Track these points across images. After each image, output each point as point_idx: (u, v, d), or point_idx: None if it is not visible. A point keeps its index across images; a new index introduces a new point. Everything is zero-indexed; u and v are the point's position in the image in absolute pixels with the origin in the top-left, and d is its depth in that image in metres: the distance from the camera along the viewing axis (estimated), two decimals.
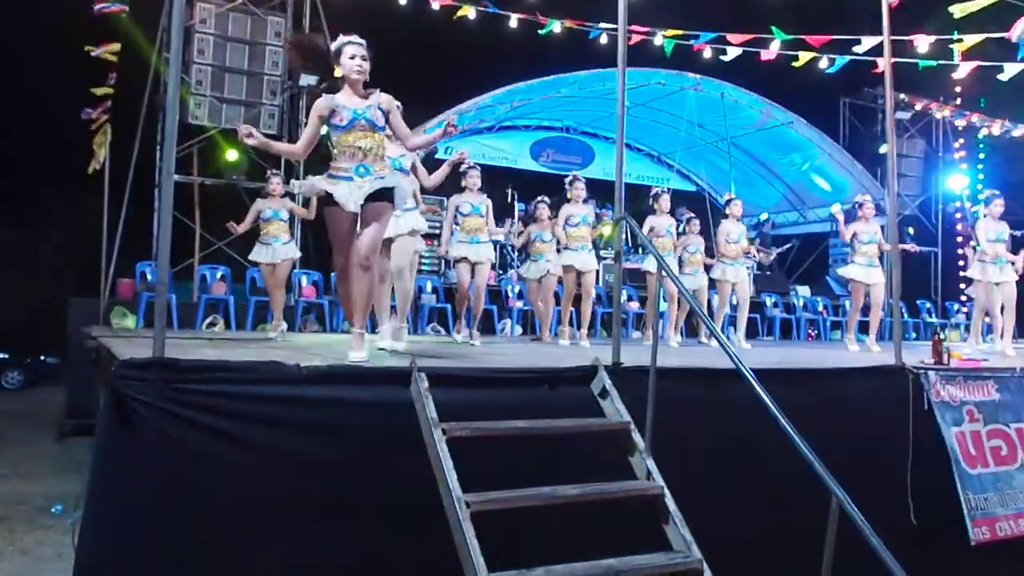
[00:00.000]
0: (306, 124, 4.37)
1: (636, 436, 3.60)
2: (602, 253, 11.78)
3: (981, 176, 18.09)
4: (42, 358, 16.38)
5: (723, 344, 3.45)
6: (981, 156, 18.41)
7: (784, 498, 3.88)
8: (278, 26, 11.32)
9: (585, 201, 7.77)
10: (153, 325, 8.97)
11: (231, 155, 11.11)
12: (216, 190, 11.50)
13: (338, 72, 4.15)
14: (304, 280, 10.30)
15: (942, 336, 5.56)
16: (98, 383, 8.31)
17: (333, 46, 4.18)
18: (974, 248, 8.28)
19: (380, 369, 3.61)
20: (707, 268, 8.48)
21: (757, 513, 3.92)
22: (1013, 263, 7.79)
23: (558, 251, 7.70)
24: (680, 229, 8.64)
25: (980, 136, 17.35)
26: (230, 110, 10.97)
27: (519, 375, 3.82)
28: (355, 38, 4.18)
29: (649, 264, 8.31)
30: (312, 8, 11.66)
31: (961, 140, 17.47)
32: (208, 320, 9.43)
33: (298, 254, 7.73)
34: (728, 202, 8.67)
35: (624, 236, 4.90)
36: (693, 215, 9.00)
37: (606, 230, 8.38)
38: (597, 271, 7.78)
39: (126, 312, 9.30)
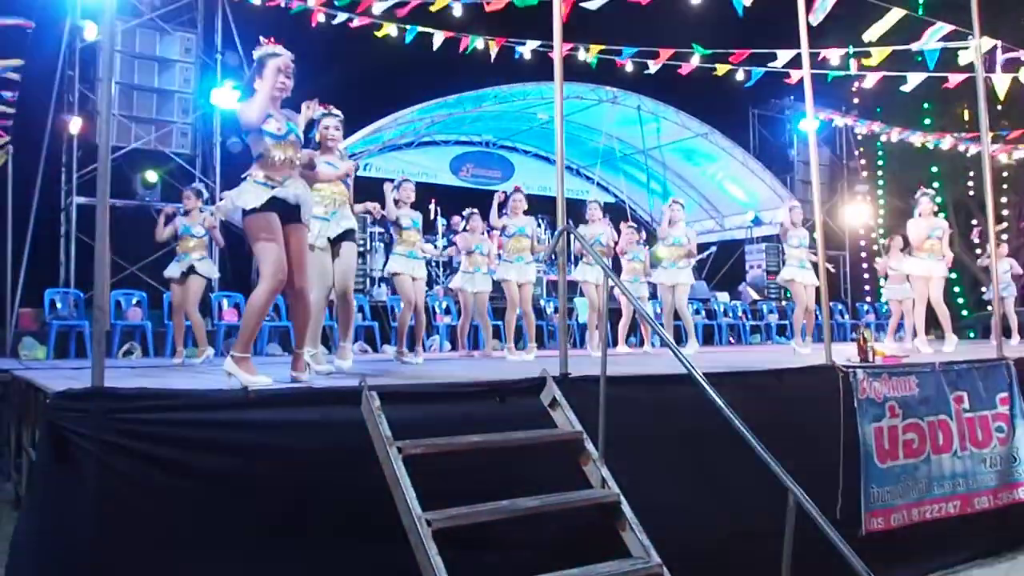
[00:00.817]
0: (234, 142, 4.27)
1: (589, 445, 3.60)
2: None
3: (880, 182, 18.99)
4: None
5: (674, 349, 3.49)
6: (880, 163, 19.33)
7: (738, 498, 3.94)
8: (188, 42, 11.02)
9: (526, 213, 7.77)
10: (65, 355, 8.56)
11: (150, 176, 10.69)
12: (127, 212, 11.06)
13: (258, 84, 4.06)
14: (225, 302, 9.99)
15: (866, 336, 5.76)
16: (6, 418, 7.88)
17: (256, 54, 4.08)
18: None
19: (329, 389, 3.51)
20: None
21: (712, 514, 3.96)
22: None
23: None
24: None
25: (879, 143, 18.23)
26: (140, 129, 10.61)
27: (469, 389, 3.77)
28: (280, 49, 4.08)
29: (584, 274, 8.37)
30: (224, 24, 11.39)
31: (861, 148, 18.30)
32: (125, 348, 9.06)
33: (215, 273, 7.54)
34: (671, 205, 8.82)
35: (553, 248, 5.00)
36: (636, 225, 9.20)
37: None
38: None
39: (35, 343, 8.83)
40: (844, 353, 6.01)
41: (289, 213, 3.98)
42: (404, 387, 3.64)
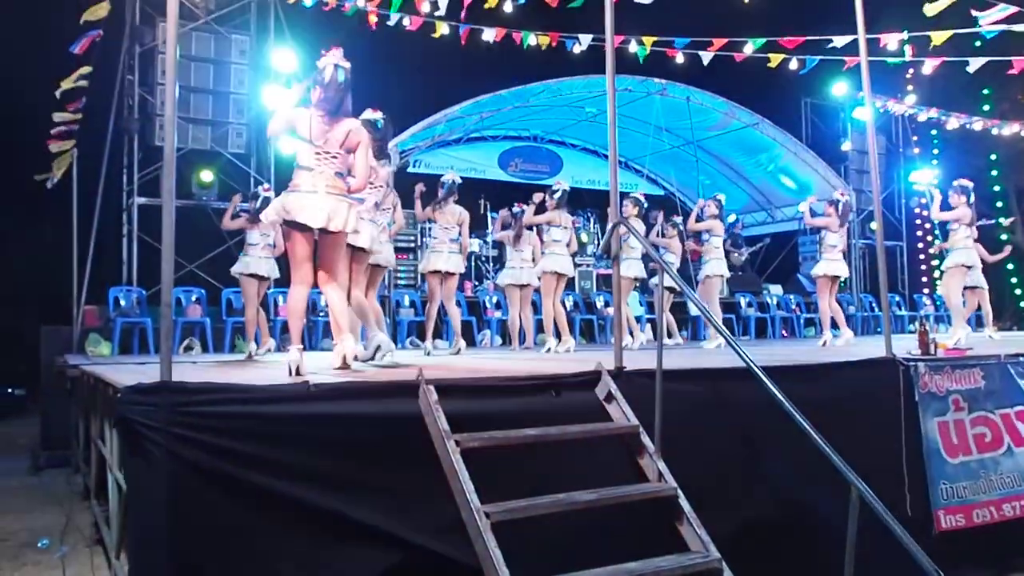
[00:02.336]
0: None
1: (645, 439, 3.60)
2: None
3: (937, 171, 18.53)
4: (9, 389, 15.95)
5: (733, 344, 3.46)
6: (935, 152, 18.87)
7: (796, 493, 3.90)
8: (243, 44, 11.22)
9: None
10: (129, 351, 8.84)
11: (205, 176, 10.95)
12: (185, 212, 11.33)
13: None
14: (280, 298, 10.18)
15: (928, 328, 5.65)
16: (75, 412, 8.16)
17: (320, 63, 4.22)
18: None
19: (387, 383, 3.56)
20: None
21: (769, 509, 3.93)
22: None
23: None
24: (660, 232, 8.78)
25: (935, 130, 17.78)
26: (197, 130, 10.84)
27: (525, 383, 3.79)
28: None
29: (626, 269, 8.37)
30: (276, 26, 11.58)
31: (915, 136, 17.87)
32: (185, 343, 9.29)
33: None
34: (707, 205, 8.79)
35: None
36: (679, 220, 9.19)
37: None
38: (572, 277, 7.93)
39: (100, 339, 9.11)
40: (903, 346, 5.89)
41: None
42: (461, 381, 3.68)
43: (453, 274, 7.39)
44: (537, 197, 8.21)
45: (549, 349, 7.59)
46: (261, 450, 3.04)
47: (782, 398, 3.19)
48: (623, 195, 8.55)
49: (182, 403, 2.94)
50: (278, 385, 3.27)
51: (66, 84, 7.93)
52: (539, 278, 7.82)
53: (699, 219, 8.91)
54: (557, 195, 7.73)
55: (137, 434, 2.89)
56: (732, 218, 17.19)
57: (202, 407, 2.98)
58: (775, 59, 8.86)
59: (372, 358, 5.05)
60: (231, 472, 2.98)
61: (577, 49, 9.40)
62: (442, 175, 7.67)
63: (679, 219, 9.34)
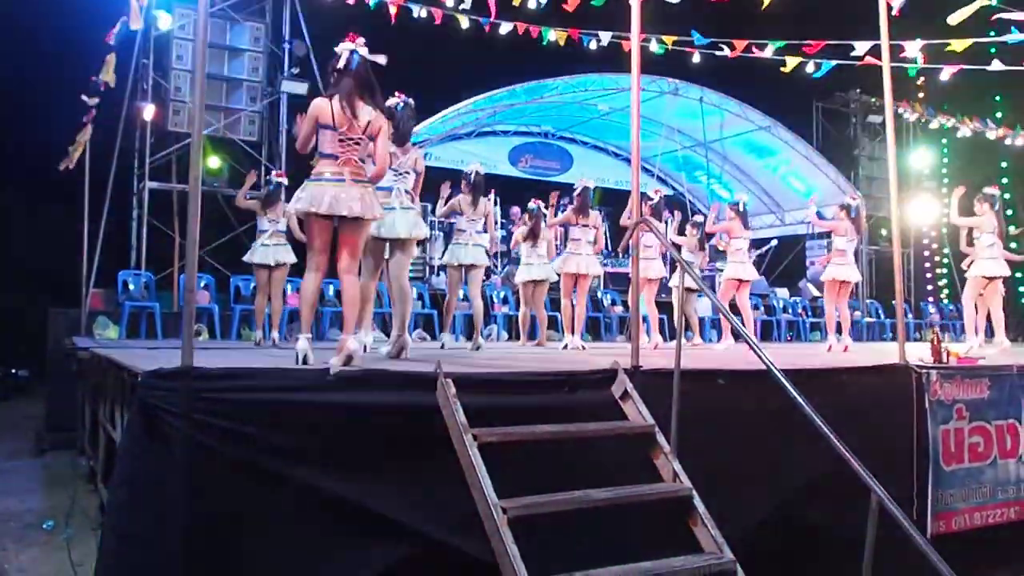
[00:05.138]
0: (299, 128, 4.36)
1: (660, 438, 3.59)
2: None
3: (945, 180, 18.50)
4: (13, 371, 15.96)
5: (754, 347, 3.45)
6: (944, 159, 18.83)
7: (810, 496, 3.90)
8: (257, 32, 11.22)
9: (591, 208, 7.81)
10: (136, 335, 8.82)
11: (213, 162, 10.96)
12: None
13: None
14: (289, 287, 10.17)
15: (940, 335, 5.63)
16: (82, 395, 8.16)
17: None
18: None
19: (405, 374, 3.56)
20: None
21: (784, 512, 3.93)
22: None
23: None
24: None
25: (945, 138, 17.74)
26: (209, 116, 10.83)
27: (542, 378, 3.79)
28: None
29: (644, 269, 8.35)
30: (292, 14, 11.57)
31: (924, 144, 17.83)
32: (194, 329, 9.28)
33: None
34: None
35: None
36: (700, 222, 9.19)
37: None
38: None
39: (108, 322, 9.12)
40: (914, 353, 5.88)
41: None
42: (478, 375, 3.67)
43: (479, 267, 7.32)
44: (553, 197, 8.19)
45: (566, 346, 7.61)
46: (280, 437, 3.04)
47: (803, 402, 3.18)
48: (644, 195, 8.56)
49: (203, 389, 2.94)
50: (299, 372, 3.27)
51: (105, 76, 7.91)
52: (558, 275, 7.85)
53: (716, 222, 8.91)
54: (579, 193, 7.72)
55: (156, 418, 2.89)
56: None
57: (223, 393, 2.98)
58: (792, 62, 8.82)
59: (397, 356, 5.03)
60: (249, 458, 2.98)
61: (594, 46, 9.37)
62: (453, 168, 7.67)
63: (700, 219, 9.32)
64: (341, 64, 4.30)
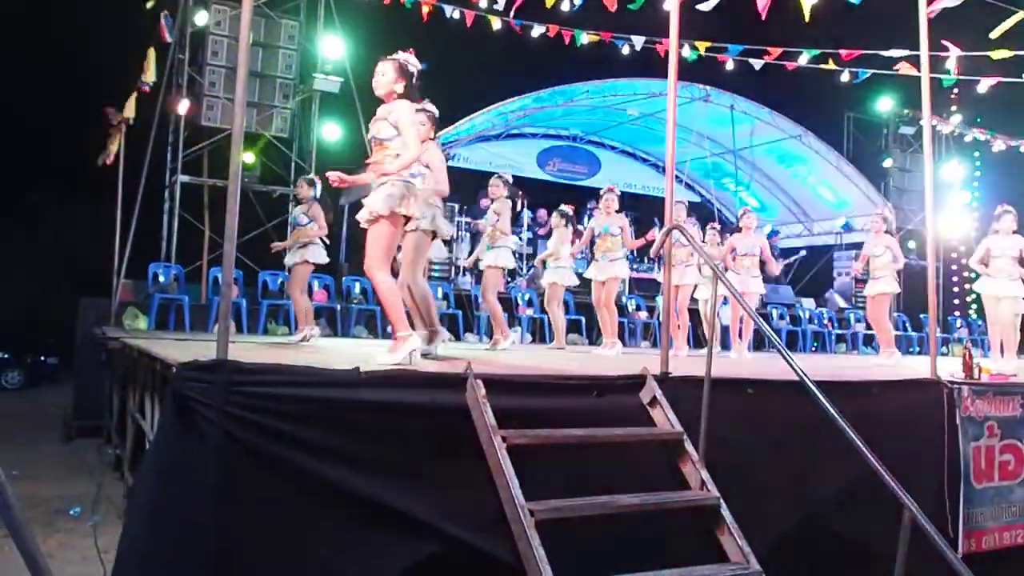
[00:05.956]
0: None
1: (689, 446, 3.58)
2: None
3: (976, 193, 18.27)
4: (42, 358, 16.23)
5: (786, 357, 3.43)
6: (977, 174, 18.60)
7: (838, 509, 3.87)
8: (292, 29, 11.31)
9: (618, 211, 7.76)
10: (165, 327, 8.91)
11: (247, 158, 11.06)
12: (225, 192, 11.42)
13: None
14: (316, 284, 10.24)
15: (972, 351, 5.56)
16: (109, 384, 8.26)
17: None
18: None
19: (436, 374, 3.57)
20: None
21: (810, 524, 3.89)
22: None
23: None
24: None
25: (977, 151, 17.52)
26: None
27: (571, 382, 3.79)
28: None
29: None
30: (326, 12, 11.65)
31: (957, 157, 17.61)
32: None
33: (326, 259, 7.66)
34: (742, 215, 8.70)
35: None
36: (719, 227, 9.14)
37: None
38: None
39: (137, 313, 9.22)
40: (944, 368, 5.81)
41: None
42: (508, 376, 3.67)
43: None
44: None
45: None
46: (311, 433, 3.06)
47: (835, 414, 3.15)
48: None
49: (238, 382, 2.96)
50: (331, 370, 3.28)
51: (148, 77, 8.03)
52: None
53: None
54: (607, 199, 7.71)
55: (191, 411, 2.92)
56: (768, 229, 17.09)
57: (257, 387, 3.00)
58: (827, 69, 8.76)
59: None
60: (281, 453, 3.00)
61: (626, 50, 9.36)
62: (481, 170, 7.69)
63: (718, 226, 9.28)
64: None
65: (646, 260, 13.67)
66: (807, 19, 6.39)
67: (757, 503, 3.67)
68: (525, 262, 12.91)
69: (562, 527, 3.13)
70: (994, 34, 6.19)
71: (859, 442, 3.06)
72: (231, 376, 2.94)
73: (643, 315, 12.01)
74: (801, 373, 3.31)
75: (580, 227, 9.70)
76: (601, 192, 7.88)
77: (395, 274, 4.69)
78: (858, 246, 15.83)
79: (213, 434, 2.88)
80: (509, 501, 3.04)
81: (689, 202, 9.49)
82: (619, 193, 7.84)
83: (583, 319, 11.30)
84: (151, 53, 7.98)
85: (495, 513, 3.15)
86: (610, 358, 6.53)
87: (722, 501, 3.38)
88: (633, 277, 13.51)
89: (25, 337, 16.19)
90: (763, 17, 6.42)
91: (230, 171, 3.10)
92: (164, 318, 9.35)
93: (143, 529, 3.04)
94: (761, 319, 4.07)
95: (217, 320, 9.29)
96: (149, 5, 7.91)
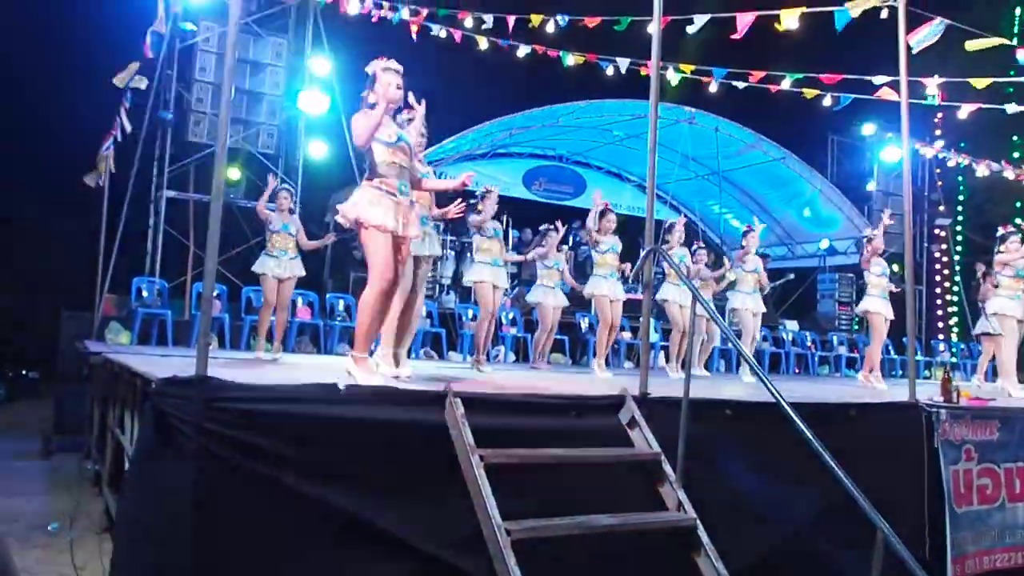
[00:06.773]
0: None
1: (666, 467, 3.60)
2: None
3: (960, 217, 18.48)
4: (23, 372, 16.07)
5: (763, 379, 3.46)
6: (960, 198, 18.82)
7: (814, 531, 3.89)
8: (279, 47, 11.35)
9: (615, 232, 7.76)
10: (148, 341, 8.85)
11: (233, 174, 11.06)
12: (210, 208, 11.41)
13: (372, 97, 4.18)
14: (300, 300, 10.22)
15: (951, 375, 5.61)
16: (91, 399, 8.20)
17: (369, 69, 4.21)
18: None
19: (415, 392, 3.59)
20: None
21: (786, 546, 3.92)
22: None
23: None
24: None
25: (961, 176, 17.73)
26: (229, 128, 10.93)
27: (550, 402, 3.81)
28: (394, 64, 4.21)
29: (667, 293, 8.33)
30: (314, 30, 11.71)
31: (941, 182, 17.81)
32: None
33: (303, 272, 7.62)
34: (745, 233, 8.73)
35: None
36: (705, 246, 9.17)
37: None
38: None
39: (120, 328, 9.18)
40: (924, 392, 5.86)
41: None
42: (487, 395, 3.69)
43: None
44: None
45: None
46: (289, 449, 3.07)
47: (810, 436, 3.18)
48: (661, 222, 8.54)
49: (217, 399, 2.97)
50: (310, 386, 3.29)
51: (119, 81, 7.99)
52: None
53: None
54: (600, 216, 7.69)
55: (169, 426, 2.92)
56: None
57: (236, 404, 3.01)
58: (810, 94, 8.87)
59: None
60: (258, 470, 3.00)
61: (611, 72, 9.45)
62: (467, 189, 7.63)
63: (703, 246, 9.33)
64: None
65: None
66: (781, 27, 6.45)
67: (734, 525, 3.70)
68: (508, 281, 12.92)
69: (538, 546, 3.14)
70: (970, 46, 6.26)
71: (832, 464, 3.09)
72: (210, 392, 2.95)
73: (627, 335, 12.04)
74: (777, 395, 3.35)
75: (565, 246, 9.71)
76: (599, 211, 7.77)
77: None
78: (842, 268, 16.02)
79: (191, 450, 2.88)
80: (486, 520, 3.05)
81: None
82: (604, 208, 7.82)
83: (566, 339, 11.34)
84: (132, 66, 7.97)
85: (472, 532, 3.16)
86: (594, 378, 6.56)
87: (699, 523, 3.41)
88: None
89: (6, 350, 16.03)
90: (739, 36, 6.49)
91: (213, 188, 3.11)
92: (147, 333, 9.30)
93: (124, 544, 3.04)
94: (739, 341, 4.11)
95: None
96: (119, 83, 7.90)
